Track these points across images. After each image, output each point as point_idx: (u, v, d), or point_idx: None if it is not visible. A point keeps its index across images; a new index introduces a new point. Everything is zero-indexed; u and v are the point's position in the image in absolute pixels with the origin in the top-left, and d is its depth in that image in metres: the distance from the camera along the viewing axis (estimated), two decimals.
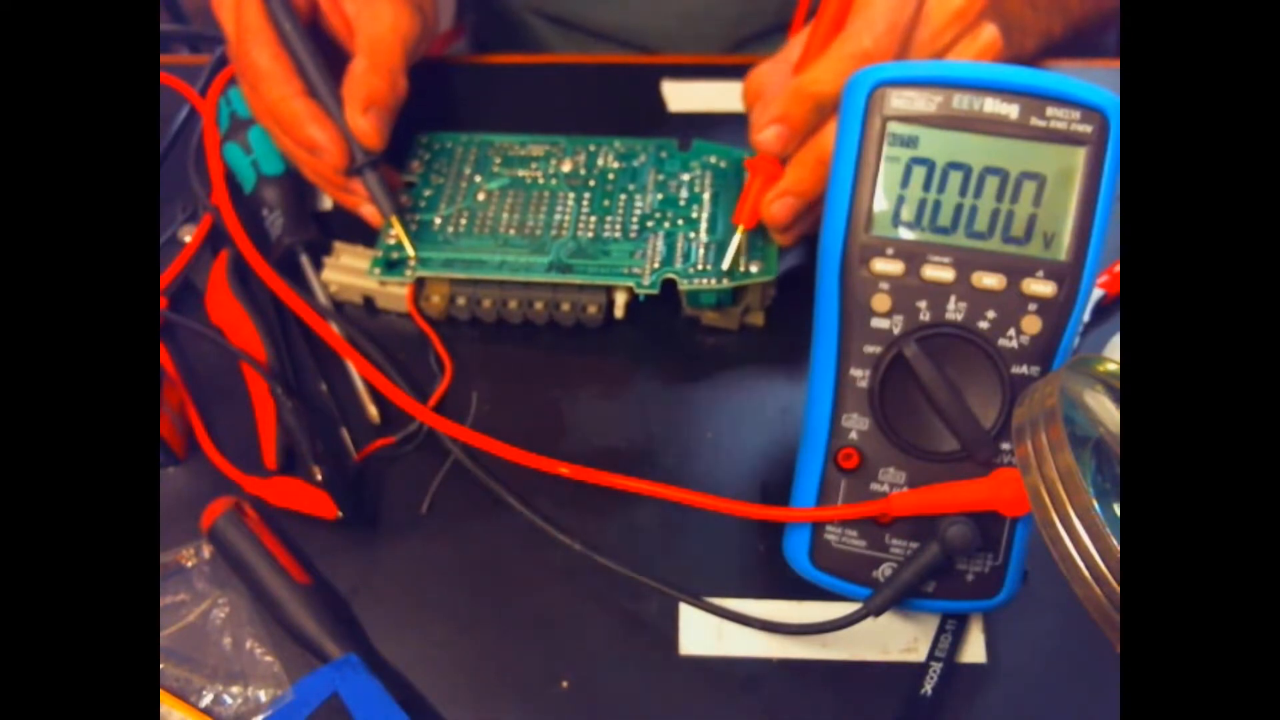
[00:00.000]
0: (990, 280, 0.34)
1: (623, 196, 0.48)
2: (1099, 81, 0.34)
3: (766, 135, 0.41)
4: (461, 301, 0.45)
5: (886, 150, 0.34)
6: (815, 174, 0.41)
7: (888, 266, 0.34)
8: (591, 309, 0.45)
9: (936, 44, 0.42)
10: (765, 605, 0.38)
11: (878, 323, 0.35)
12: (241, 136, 0.48)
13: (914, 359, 0.34)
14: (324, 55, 0.45)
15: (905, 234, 0.34)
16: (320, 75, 0.45)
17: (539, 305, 0.45)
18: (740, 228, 0.43)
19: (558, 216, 0.47)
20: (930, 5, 0.41)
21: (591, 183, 0.49)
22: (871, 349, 0.35)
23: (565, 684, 0.37)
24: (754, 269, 0.44)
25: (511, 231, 0.47)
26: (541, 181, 0.49)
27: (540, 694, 0.37)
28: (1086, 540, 0.27)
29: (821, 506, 0.35)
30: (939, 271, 0.34)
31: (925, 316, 0.34)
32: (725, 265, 0.43)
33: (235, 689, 0.36)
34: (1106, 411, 0.30)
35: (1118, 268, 0.46)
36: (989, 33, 0.43)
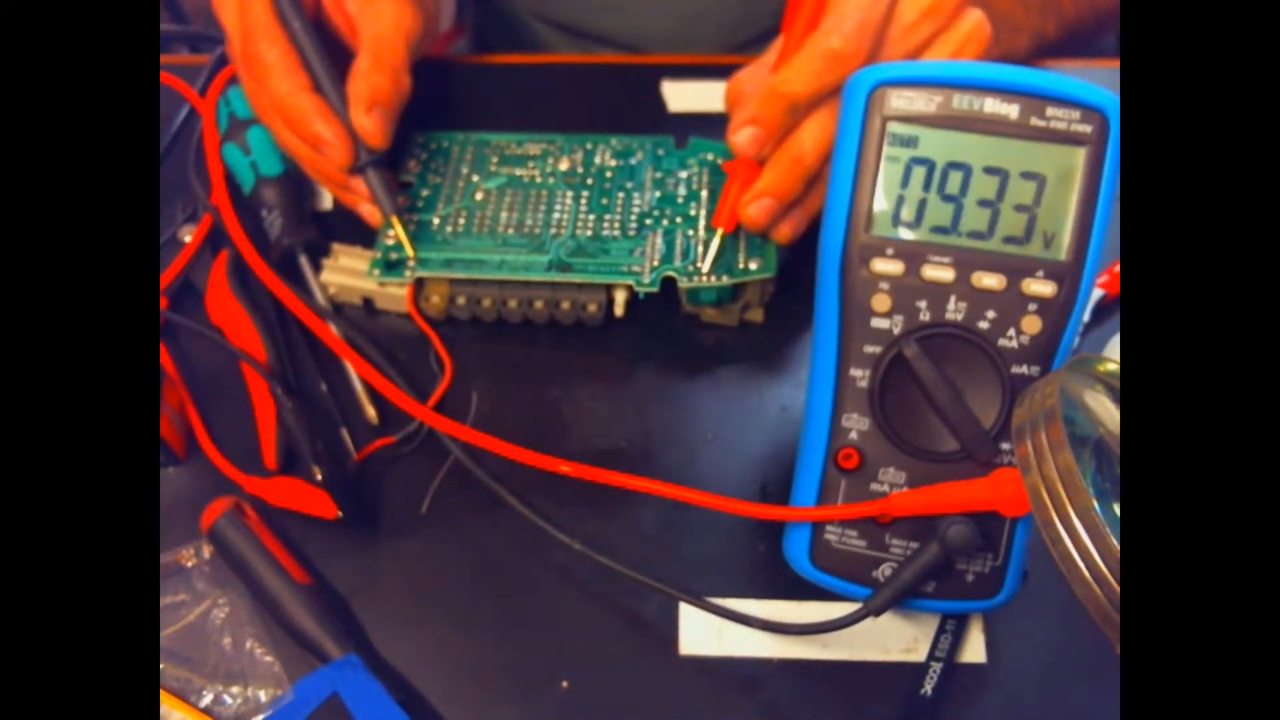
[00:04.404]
0: (990, 280, 0.34)
1: (621, 195, 0.48)
2: (1099, 81, 0.34)
3: (741, 137, 0.41)
4: (461, 301, 0.45)
5: (886, 150, 0.34)
6: (791, 175, 0.41)
7: (888, 266, 0.34)
8: (591, 307, 0.45)
9: (910, 40, 0.41)
10: (765, 605, 0.38)
11: (878, 323, 0.35)
12: (240, 137, 0.48)
13: (914, 359, 0.34)
14: (328, 53, 0.45)
15: (905, 234, 0.34)
16: (326, 72, 0.45)
17: (539, 304, 0.45)
18: (719, 230, 0.43)
19: (556, 215, 0.47)
20: (902, 2, 0.41)
21: (589, 181, 0.49)
22: (871, 349, 0.35)
23: (565, 684, 0.37)
24: (753, 266, 0.44)
25: (510, 231, 0.47)
26: (539, 180, 0.49)
27: (540, 694, 0.37)
28: (1086, 540, 0.27)
29: (821, 506, 0.35)
30: (939, 271, 0.34)
31: (925, 316, 0.34)
32: (705, 268, 0.44)
33: (235, 689, 0.36)
34: (1106, 411, 0.30)
35: (1118, 268, 0.46)
36: (971, 19, 0.42)
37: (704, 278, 0.44)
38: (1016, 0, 0.51)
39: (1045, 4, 0.53)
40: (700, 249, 0.45)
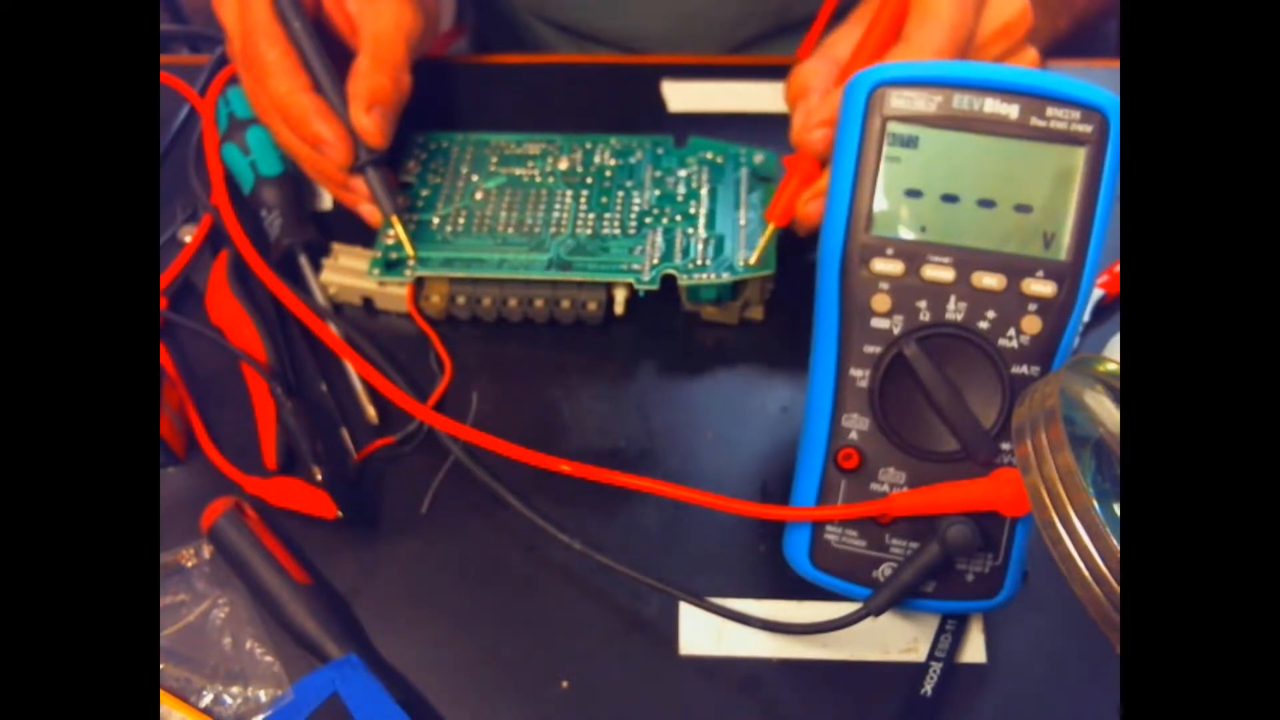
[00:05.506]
0: (990, 280, 0.34)
1: (620, 193, 0.48)
2: (1099, 81, 0.34)
3: (814, 136, 0.41)
4: (461, 301, 0.45)
5: (886, 150, 0.34)
6: None
7: (888, 266, 0.34)
8: (591, 306, 0.45)
9: (983, 57, 0.42)
10: (765, 605, 0.38)
11: (878, 323, 0.35)
12: (239, 137, 0.48)
13: (914, 359, 0.34)
14: (328, 53, 0.45)
15: (905, 234, 0.34)
16: (326, 72, 0.45)
17: (539, 303, 0.45)
18: (772, 224, 0.43)
19: (556, 214, 0.47)
20: (985, 16, 0.42)
21: (589, 180, 0.49)
22: (871, 349, 0.35)
23: (565, 684, 0.37)
24: (752, 263, 0.44)
25: (510, 230, 0.47)
26: (539, 180, 0.49)
27: (540, 694, 0.37)
28: (1086, 540, 0.27)
29: (821, 506, 0.35)
30: (939, 271, 0.34)
31: (925, 316, 0.34)
32: (754, 260, 0.44)
33: (235, 689, 0.36)
34: (1106, 411, 0.30)
35: (1118, 268, 0.46)
36: (1029, 56, 0.44)
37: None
38: (1037, 2, 0.51)
39: (1061, 2, 0.53)
40: (700, 246, 0.45)
